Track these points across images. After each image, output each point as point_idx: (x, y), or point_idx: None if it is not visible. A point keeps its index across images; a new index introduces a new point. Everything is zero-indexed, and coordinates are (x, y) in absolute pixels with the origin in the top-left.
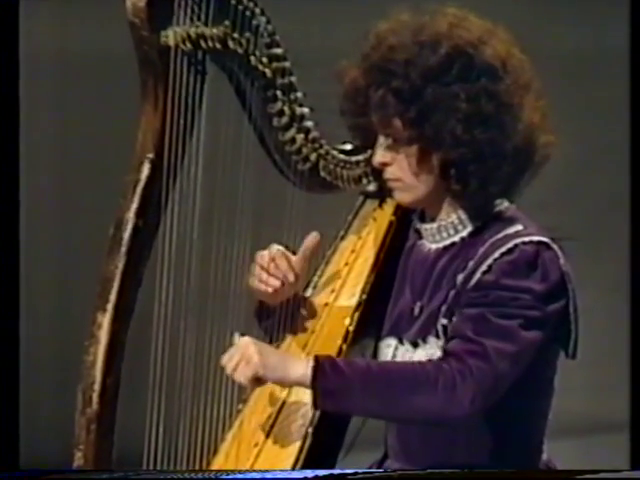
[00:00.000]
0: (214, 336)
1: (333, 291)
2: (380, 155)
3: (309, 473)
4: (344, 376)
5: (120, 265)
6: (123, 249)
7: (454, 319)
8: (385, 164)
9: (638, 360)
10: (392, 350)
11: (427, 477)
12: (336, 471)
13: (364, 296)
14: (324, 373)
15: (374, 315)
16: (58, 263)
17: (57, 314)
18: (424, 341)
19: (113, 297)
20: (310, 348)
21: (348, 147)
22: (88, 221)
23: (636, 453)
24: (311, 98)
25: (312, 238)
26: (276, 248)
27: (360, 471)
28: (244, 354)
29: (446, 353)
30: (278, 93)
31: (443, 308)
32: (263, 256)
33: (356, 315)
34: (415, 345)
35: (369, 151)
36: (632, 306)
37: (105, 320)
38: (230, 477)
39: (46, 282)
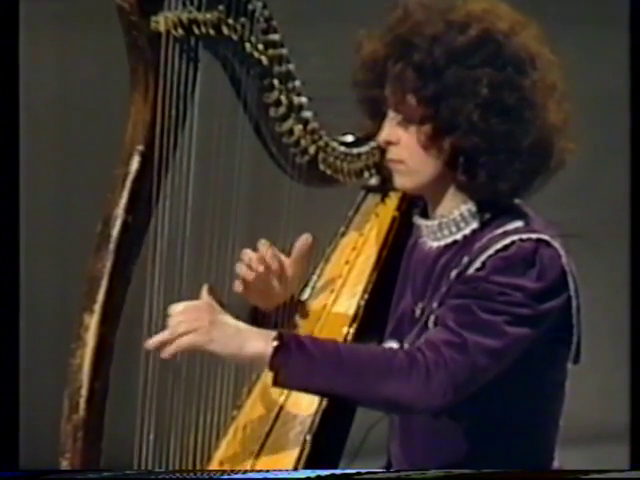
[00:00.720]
0: None
1: (333, 291)
2: (387, 132)
3: (310, 473)
4: (310, 356)
5: (108, 263)
6: (111, 246)
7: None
8: (390, 143)
9: (638, 361)
10: None
11: (432, 478)
12: (338, 471)
13: (366, 296)
14: (288, 350)
15: (376, 316)
16: (56, 262)
17: (57, 313)
18: None
19: (101, 297)
20: None
21: (349, 139)
22: (76, 217)
23: (636, 453)
24: (310, 87)
25: (304, 240)
26: (262, 243)
27: (363, 471)
28: (196, 319)
29: (425, 341)
30: (275, 82)
31: (435, 305)
32: (248, 254)
33: (357, 316)
34: None
35: (371, 143)
36: (632, 306)
37: (92, 321)
38: (231, 477)
39: (46, 282)
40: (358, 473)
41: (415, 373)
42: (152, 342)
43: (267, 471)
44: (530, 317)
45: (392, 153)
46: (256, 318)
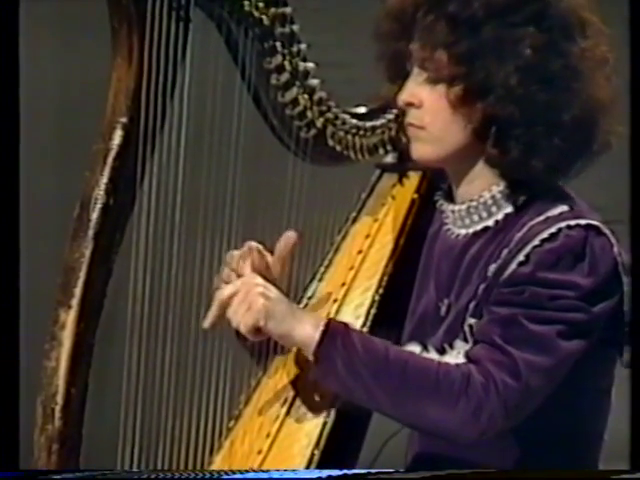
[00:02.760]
0: (199, 339)
1: (344, 284)
2: (409, 91)
3: (320, 474)
4: (354, 354)
5: (87, 252)
6: (90, 233)
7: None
8: (411, 104)
9: (638, 361)
10: None
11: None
12: (350, 471)
13: (381, 291)
14: (333, 343)
15: (392, 315)
16: (56, 262)
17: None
18: (451, 347)
19: (78, 291)
20: None
21: (362, 110)
22: (49, 199)
23: (636, 455)
24: (317, 50)
25: (287, 239)
26: (250, 246)
27: (373, 471)
28: (248, 294)
29: (469, 360)
30: (277, 44)
31: (471, 305)
32: (233, 257)
33: (370, 314)
34: (442, 352)
35: (387, 115)
36: (632, 306)
37: (69, 318)
38: (242, 477)
39: (46, 282)
40: (368, 473)
41: (464, 398)
42: (208, 321)
43: (276, 471)
44: (584, 324)
45: (412, 117)
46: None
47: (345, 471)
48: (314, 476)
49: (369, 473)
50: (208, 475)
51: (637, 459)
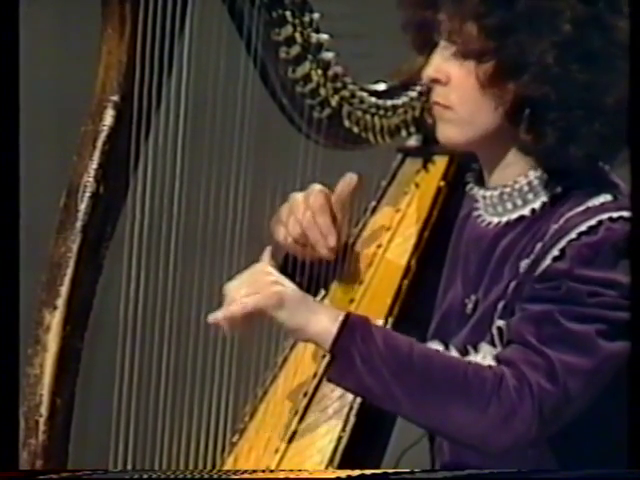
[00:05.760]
0: (199, 343)
1: (362, 283)
2: (435, 67)
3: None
4: (375, 350)
5: (74, 247)
6: (78, 225)
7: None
8: (438, 81)
9: (638, 360)
10: None
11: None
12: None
13: (405, 284)
14: (352, 338)
15: (417, 312)
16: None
17: None
18: (475, 349)
19: (64, 290)
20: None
21: (381, 87)
22: (36, 186)
23: (634, 453)
24: (331, 20)
25: (346, 181)
26: (318, 189)
27: (390, 471)
28: (257, 282)
29: (499, 363)
30: (287, 14)
31: (500, 305)
32: (298, 204)
33: (392, 312)
34: (465, 353)
35: (410, 93)
36: (632, 305)
37: (54, 320)
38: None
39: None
40: (385, 474)
41: (496, 401)
42: (213, 316)
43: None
44: (627, 324)
45: (439, 95)
46: (285, 268)
47: (363, 471)
48: (334, 476)
49: (385, 473)
50: (226, 476)
51: (637, 459)
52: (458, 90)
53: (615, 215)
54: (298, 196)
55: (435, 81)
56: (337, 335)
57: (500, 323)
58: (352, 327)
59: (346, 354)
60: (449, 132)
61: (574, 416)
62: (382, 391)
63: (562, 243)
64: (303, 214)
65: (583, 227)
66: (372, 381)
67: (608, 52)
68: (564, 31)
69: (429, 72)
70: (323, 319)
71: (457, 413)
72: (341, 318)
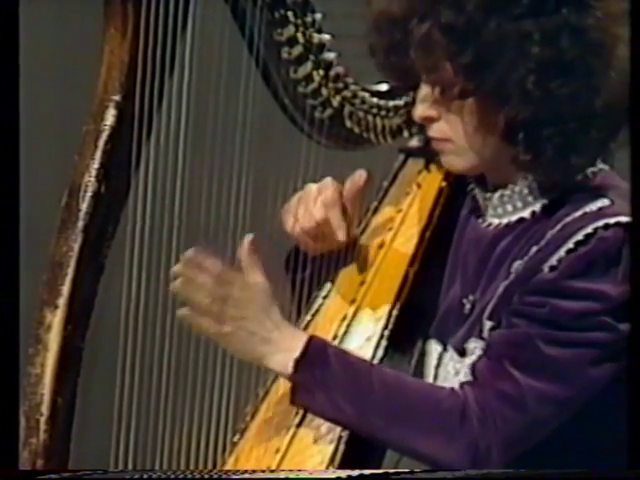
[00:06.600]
0: (200, 343)
1: (364, 283)
2: (422, 109)
3: (341, 474)
4: (331, 371)
5: (75, 246)
6: (80, 224)
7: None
8: (430, 119)
9: (637, 360)
10: (436, 357)
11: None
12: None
13: (406, 285)
14: (311, 373)
15: (419, 311)
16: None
17: None
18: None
19: (66, 289)
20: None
21: (383, 88)
22: (37, 187)
23: (634, 453)
24: (333, 21)
25: (355, 178)
26: (330, 183)
27: (390, 471)
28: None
29: (472, 375)
30: (289, 14)
31: (490, 305)
32: (310, 195)
33: (393, 316)
34: (462, 353)
35: (412, 94)
36: (632, 304)
37: (55, 320)
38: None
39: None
40: (385, 473)
41: (458, 433)
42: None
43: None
44: (611, 346)
45: (434, 130)
46: (294, 260)
47: (362, 471)
48: (334, 476)
49: (386, 473)
50: (226, 476)
51: (637, 459)
52: (451, 123)
53: (612, 221)
54: (312, 187)
55: (426, 120)
56: (296, 364)
57: (489, 324)
58: (311, 352)
59: (306, 382)
60: (453, 162)
61: (545, 435)
62: (348, 421)
63: (560, 253)
64: (314, 205)
65: (579, 236)
66: (334, 408)
67: (584, 57)
68: (535, 54)
69: (419, 113)
70: (284, 349)
71: (417, 442)
72: (304, 339)
